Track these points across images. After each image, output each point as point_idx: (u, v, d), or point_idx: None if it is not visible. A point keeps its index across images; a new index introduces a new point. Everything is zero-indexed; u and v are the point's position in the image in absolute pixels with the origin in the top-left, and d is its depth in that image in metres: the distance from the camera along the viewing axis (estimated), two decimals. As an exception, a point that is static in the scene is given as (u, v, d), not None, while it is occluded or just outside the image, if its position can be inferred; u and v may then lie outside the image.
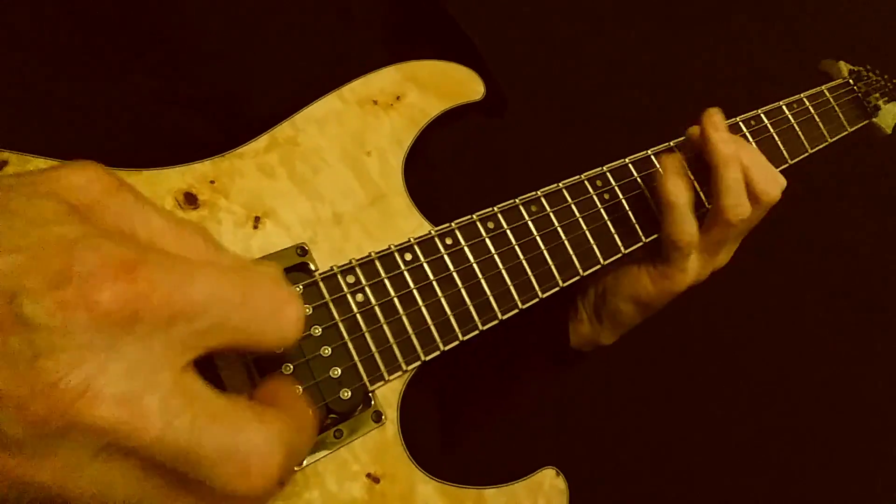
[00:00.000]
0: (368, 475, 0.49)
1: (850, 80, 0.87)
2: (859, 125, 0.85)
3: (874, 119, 0.87)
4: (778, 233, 0.72)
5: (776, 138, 0.75)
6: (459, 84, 0.63)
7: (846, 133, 0.82)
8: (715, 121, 0.62)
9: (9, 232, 0.25)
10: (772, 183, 0.64)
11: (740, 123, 0.73)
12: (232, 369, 0.45)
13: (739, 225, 0.62)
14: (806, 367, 1.05)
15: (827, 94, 0.82)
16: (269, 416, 0.29)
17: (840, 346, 1.08)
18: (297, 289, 0.49)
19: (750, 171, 0.62)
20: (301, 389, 0.47)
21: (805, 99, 0.79)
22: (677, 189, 0.60)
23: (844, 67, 0.89)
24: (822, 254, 1.08)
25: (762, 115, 0.75)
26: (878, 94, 0.90)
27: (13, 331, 0.23)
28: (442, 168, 0.65)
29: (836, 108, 0.82)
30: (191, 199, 0.50)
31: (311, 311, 0.49)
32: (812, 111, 0.79)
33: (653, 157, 0.66)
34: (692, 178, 0.64)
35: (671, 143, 0.68)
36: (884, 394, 1.07)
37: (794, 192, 0.69)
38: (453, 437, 0.61)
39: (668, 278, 0.64)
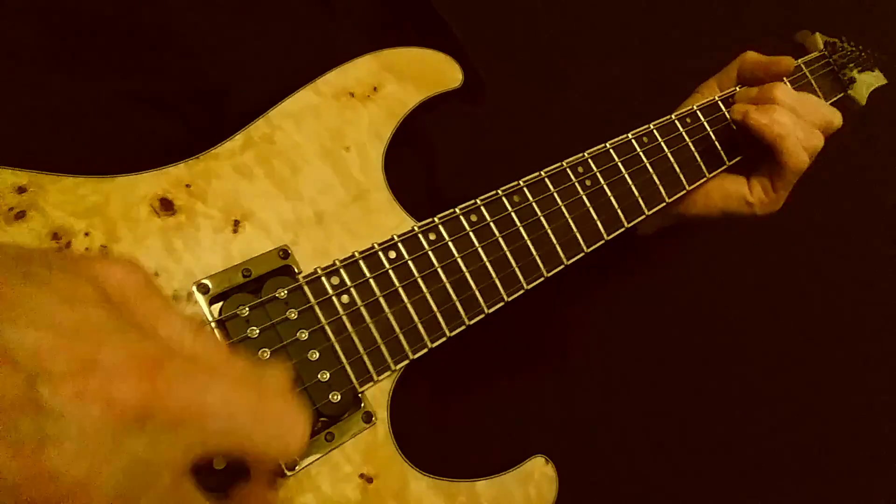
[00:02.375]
0: (361, 475, 0.49)
1: (826, 53, 0.87)
2: (835, 98, 0.86)
3: (849, 91, 0.88)
4: (777, 233, 0.73)
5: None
6: (437, 72, 0.62)
7: (822, 107, 0.83)
8: (739, 109, 0.70)
9: (46, 307, 0.25)
10: (827, 118, 0.71)
11: (719, 103, 0.73)
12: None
13: (803, 168, 0.69)
14: (806, 367, 1.07)
15: (804, 67, 0.82)
16: None
17: (840, 346, 1.10)
18: (282, 293, 0.48)
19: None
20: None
21: (782, 74, 0.79)
22: (775, 125, 0.67)
23: (820, 39, 0.89)
24: (822, 253, 1.09)
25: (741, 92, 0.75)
26: (852, 65, 0.90)
27: (26, 412, 0.23)
28: (422, 160, 0.64)
29: (813, 83, 0.82)
30: (167, 206, 0.48)
31: (296, 316, 0.49)
32: (789, 85, 0.79)
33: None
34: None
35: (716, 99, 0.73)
36: (884, 394, 1.10)
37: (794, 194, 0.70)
38: (444, 432, 0.61)
39: (776, 203, 0.71)
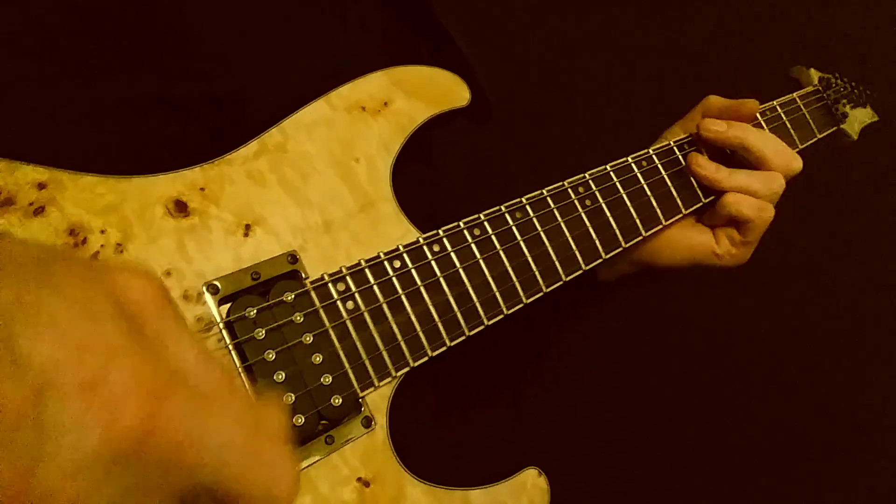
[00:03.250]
0: (359, 479, 0.50)
1: (820, 88, 0.90)
2: (828, 131, 0.88)
3: (842, 125, 0.91)
4: (776, 233, 0.74)
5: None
6: (445, 90, 0.64)
7: (816, 139, 0.85)
8: (706, 126, 0.72)
9: (62, 318, 0.24)
10: (786, 154, 0.73)
11: (674, 148, 0.75)
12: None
13: (761, 219, 0.70)
14: (805, 367, 1.08)
15: (798, 101, 0.85)
16: None
17: (839, 346, 1.11)
18: (289, 297, 0.50)
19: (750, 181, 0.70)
20: (294, 397, 0.48)
21: (777, 106, 0.82)
22: (734, 200, 0.69)
23: (814, 74, 0.92)
24: (821, 253, 1.11)
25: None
26: (845, 101, 0.93)
27: (28, 425, 0.22)
28: (429, 174, 0.65)
29: (807, 115, 0.85)
30: (181, 207, 0.50)
31: (302, 319, 0.50)
32: (784, 118, 0.82)
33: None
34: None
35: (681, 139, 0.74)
36: (884, 396, 1.10)
37: (793, 193, 0.72)
38: (440, 440, 0.62)
39: (745, 254, 0.72)
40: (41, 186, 0.46)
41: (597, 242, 0.64)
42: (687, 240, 0.73)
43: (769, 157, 0.71)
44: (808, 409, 1.08)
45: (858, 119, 0.96)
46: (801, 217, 0.77)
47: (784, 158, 0.72)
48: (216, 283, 0.48)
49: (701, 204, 0.73)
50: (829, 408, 1.10)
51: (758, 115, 0.79)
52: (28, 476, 0.22)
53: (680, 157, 0.72)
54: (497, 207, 0.60)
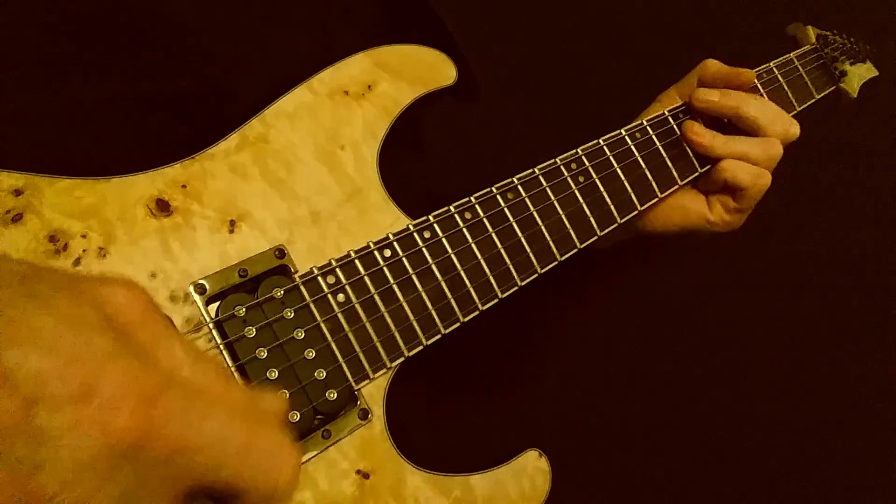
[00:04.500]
0: (358, 472, 0.50)
1: (818, 45, 0.87)
2: (827, 91, 0.86)
3: (841, 84, 0.88)
4: (777, 232, 0.73)
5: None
6: (431, 69, 0.62)
7: (814, 101, 0.83)
8: (699, 96, 0.71)
9: (49, 331, 0.25)
10: (783, 120, 0.71)
11: (669, 117, 0.73)
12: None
13: (755, 187, 0.69)
14: (805, 364, 1.08)
15: (796, 61, 0.82)
16: None
17: (839, 346, 1.11)
18: (279, 293, 0.49)
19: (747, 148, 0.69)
20: (288, 394, 0.47)
21: (774, 68, 0.80)
22: (731, 167, 0.68)
23: (812, 32, 0.90)
24: (821, 252, 1.10)
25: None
26: (844, 58, 0.90)
27: (22, 436, 0.23)
28: (417, 158, 0.64)
29: (805, 76, 0.83)
30: (163, 206, 0.49)
31: (292, 315, 0.49)
32: (781, 80, 0.80)
33: (646, 125, 0.69)
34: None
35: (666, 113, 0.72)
36: (884, 397, 1.10)
37: (795, 192, 0.71)
38: (439, 428, 0.62)
39: (739, 220, 0.71)
40: (17, 193, 0.44)
41: (591, 220, 0.63)
42: (680, 207, 0.72)
43: (765, 125, 0.69)
44: (808, 408, 1.08)
45: (857, 75, 0.94)
46: (803, 213, 0.75)
47: (782, 125, 0.70)
48: (203, 282, 0.48)
49: (697, 174, 0.71)
50: (829, 408, 1.10)
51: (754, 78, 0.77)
52: (27, 483, 0.23)
53: (675, 126, 0.71)
54: (488, 189, 0.59)
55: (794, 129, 0.72)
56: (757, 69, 0.79)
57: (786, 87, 0.80)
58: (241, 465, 0.28)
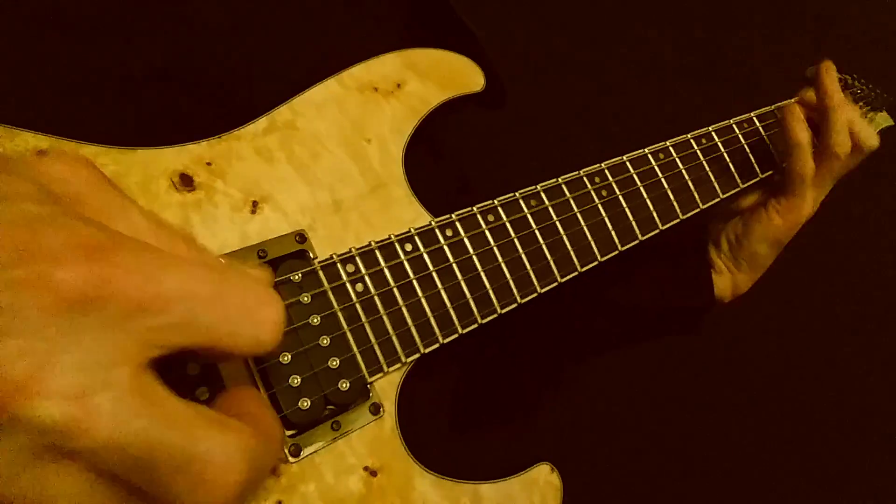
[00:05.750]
0: (366, 468, 0.48)
1: (838, 88, 0.88)
2: (845, 132, 0.87)
3: (859, 127, 0.89)
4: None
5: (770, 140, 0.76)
6: (460, 74, 0.62)
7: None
8: (832, 71, 0.75)
9: None
10: (870, 133, 0.75)
11: (737, 124, 0.74)
12: (230, 366, 0.44)
13: (843, 159, 0.72)
14: (806, 367, 1.06)
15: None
16: (232, 426, 0.27)
17: (840, 346, 1.09)
18: (297, 277, 0.48)
19: (854, 123, 0.73)
20: (299, 379, 0.45)
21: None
22: (801, 131, 0.71)
23: (831, 75, 0.91)
24: (821, 252, 1.09)
25: (754, 118, 0.76)
26: (863, 104, 0.91)
27: None
28: (441, 159, 0.64)
29: (825, 115, 0.83)
30: (186, 181, 0.48)
31: (309, 300, 0.48)
32: (801, 116, 0.80)
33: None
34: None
35: (772, 108, 0.78)
36: (884, 397, 1.09)
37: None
38: (450, 431, 0.60)
39: (795, 209, 0.73)
40: (41, 154, 0.44)
41: (613, 234, 0.63)
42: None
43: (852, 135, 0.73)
44: (809, 408, 1.05)
45: (875, 123, 0.95)
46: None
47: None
48: (222, 260, 0.46)
49: (717, 200, 0.71)
50: (830, 407, 1.07)
51: (776, 112, 0.78)
52: None
53: (698, 151, 0.71)
54: (511, 194, 0.59)
55: (848, 148, 0.73)
56: (778, 105, 0.79)
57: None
58: (216, 317, 0.26)
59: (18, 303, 0.21)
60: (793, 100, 0.79)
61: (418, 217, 0.55)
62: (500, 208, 0.58)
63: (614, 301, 0.74)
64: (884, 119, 0.99)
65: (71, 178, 0.27)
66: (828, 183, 0.75)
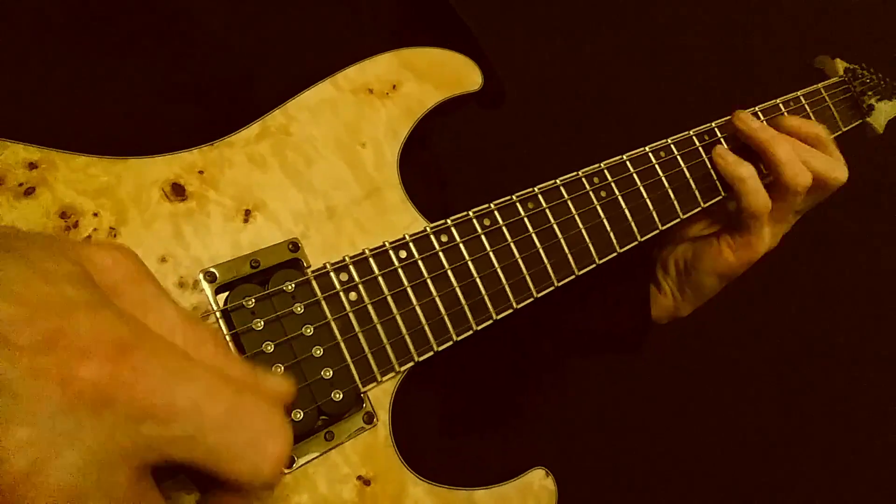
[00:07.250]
0: (359, 477, 0.48)
1: (846, 79, 0.86)
2: (853, 124, 0.85)
3: (868, 118, 0.87)
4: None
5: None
6: (457, 73, 0.61)
7: (840, 132, 0.82)
8: (743, 115, 0.70)
9: (15, 280, 0.23)
10: (833, 167, 0.69)
11: (717, 130, 0.73)
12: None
13: (802, 193, 0.67)
14: (806, 367, 1.06)
15: (823, 92, 0.81)
16: None
17: (840, 346, 1.09)
18: (290, 287, 0.48)
19: (813, 158, 0.68)
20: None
21: (802, 97, 0.79)
22: (741, 165, 0.66)
23: (840, 65, 0.89)
24: (822, 252, 1.08)
25: (759, 112, 0.75)
26: (871, 93, 0.89)
27: None
28: (438, 161, 0.63)
29: (832, 108, 0.82)
30: (178, 191, 0.47)
31: (302, 310, 0.48)
32: (808, 109, 0.79)
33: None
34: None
35: (713, 124, 0.71)
36: (884, 397, 1.09)
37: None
38: (444, 439, 0.60)
39: (749, 247, 0.68)
40: (32, 166, 0.43)
41: (611, 236, 0.62)
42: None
43: (785, 173, 0.67)
44: (809, 408, 1.05)
45: (885, 112, 0.93)
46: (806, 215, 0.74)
47: (803, 179, 0.67)
48: (213, 270, 0.46)
49: (720, 198, 0.70)
50: (829, 407, 1.07)
51: (780, 105, 0.76)
52: None
53: (700, 148, 0.70)
54: (508, 197, 0.58)
55: (805, 181, 0.67)
56: (784, 98, 0.78)
57: (812, 117, 0.78)
58: (219, 441, 0.25)
59: (38, 393, 0.22)
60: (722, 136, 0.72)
61: (413, 222, 0.55)
62: (496, 212, 0.57)
63: (557, 321, 0.70)
64: (893, 108, 0.97)
65: (113, 267, 0.27)
66: (790, 218, 0.70)
